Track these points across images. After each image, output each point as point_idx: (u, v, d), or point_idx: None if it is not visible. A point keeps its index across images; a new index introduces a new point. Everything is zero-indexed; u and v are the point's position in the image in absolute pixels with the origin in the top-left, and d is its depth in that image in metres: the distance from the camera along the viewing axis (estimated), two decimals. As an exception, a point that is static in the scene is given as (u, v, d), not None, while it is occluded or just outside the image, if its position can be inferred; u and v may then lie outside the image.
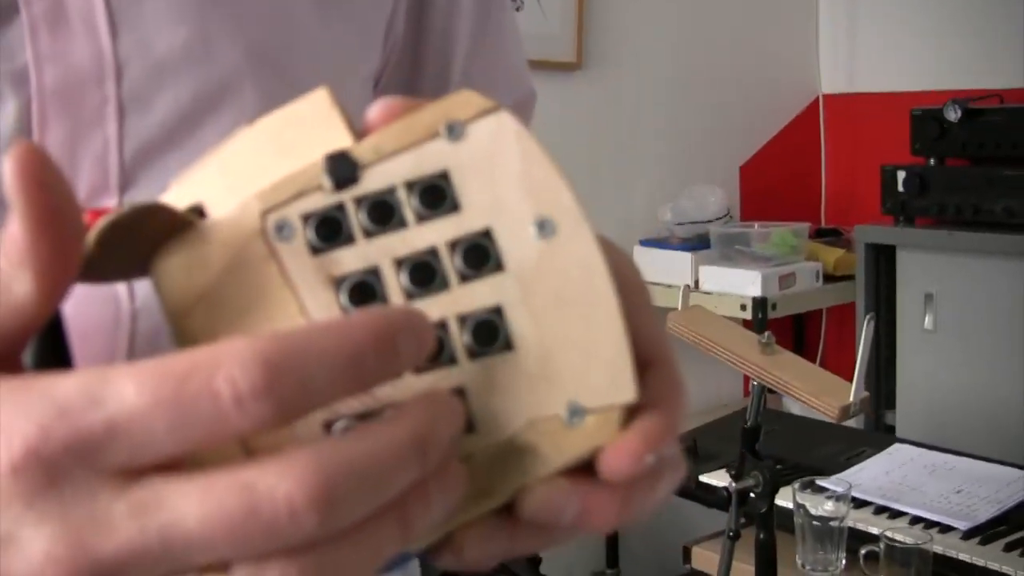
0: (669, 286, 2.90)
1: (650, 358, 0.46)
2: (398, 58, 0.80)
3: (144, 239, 0.44)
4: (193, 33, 0.63)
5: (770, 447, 1.92)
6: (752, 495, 1.88)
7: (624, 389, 0.42)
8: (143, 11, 0.62)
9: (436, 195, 0.44)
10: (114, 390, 0.34)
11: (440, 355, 0.43)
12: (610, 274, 0.43)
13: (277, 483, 0.34)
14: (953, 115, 3.02)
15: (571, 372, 0.43)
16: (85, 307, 0.59)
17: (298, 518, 0.34)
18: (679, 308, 2.04)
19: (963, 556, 1.97)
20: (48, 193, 0.36)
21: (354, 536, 0.36)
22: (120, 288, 0.61)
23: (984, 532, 2.04)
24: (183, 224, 0.44)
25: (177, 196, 0.46)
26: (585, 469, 0.43)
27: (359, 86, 0.76)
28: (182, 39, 0.62)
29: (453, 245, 0.44)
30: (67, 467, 0.34)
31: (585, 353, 0.43)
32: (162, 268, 0.44)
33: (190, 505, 0.34)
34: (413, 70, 0.82)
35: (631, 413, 0.43)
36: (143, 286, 0.61)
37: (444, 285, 0.43)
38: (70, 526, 0.34)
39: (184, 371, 0.34)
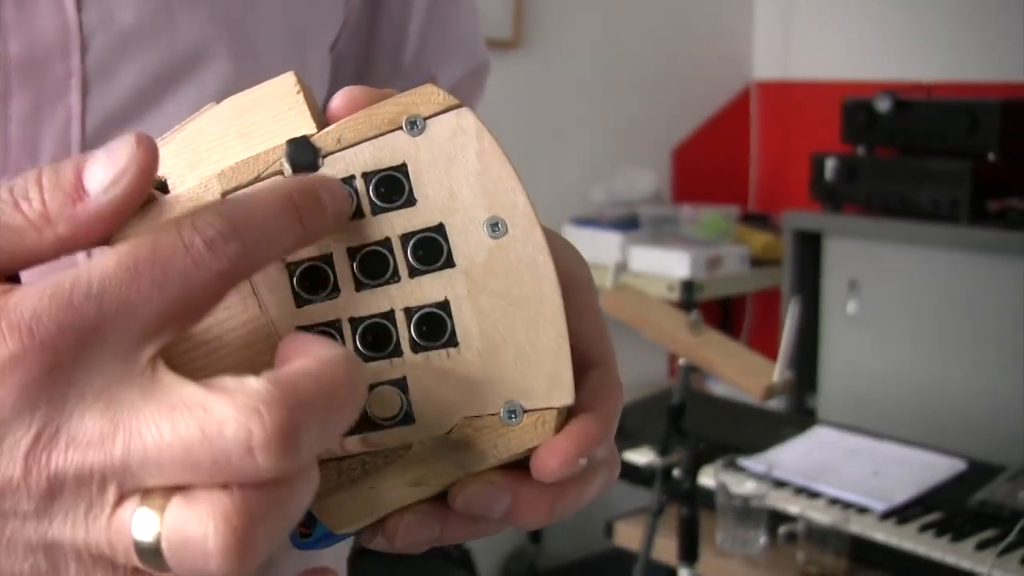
0: (599, 266, 2.91)
1: (591, 360, 0.47)
2: (354, 24, 0.80)
3: None
4: (158, 4, 0.62)
5: (694, 427, 1.94)
6: (675, 472, 1.90)
7: (561, 393, 0.43)
8: None
9: (393, 187, 0.45)
10: (95, 265, 0.36)
11: (385, 345, 0.44)
12: (557, 278, 0.44)
13: (236, 415, 0.34)
14: (883, 106, 3.05)
15: (511, 372, 0.43)
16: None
17: (253, 456, 0.34)
18: (608, 287, 2.05)
19: (879, 536, 2.01)
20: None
21: (300, 478, 0.37)
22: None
23: (900, 513, 2.08)
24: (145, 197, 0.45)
25: None
26: (519, 465, 0.44)
27: (320, 54, 0.76)
28: (147, 11, 0.62)
29: (406, 238, 0.45)
30: (65, 350, 0.35)
31: (526, 355, 0.44)
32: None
33: (150, 425, 0.35)
34: (369, 37, 0.81)
35: (568, 414, 0.44)
36: None
37: (395, 277, 0.44)
38: (46, 427, 0.35)
39: (154, 236, 0.37)
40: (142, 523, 0.35)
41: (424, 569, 2.96)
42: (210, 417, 0.34)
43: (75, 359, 0.35)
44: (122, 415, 0.35)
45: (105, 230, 0.39)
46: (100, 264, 0.36)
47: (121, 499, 0.35)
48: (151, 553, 0.35)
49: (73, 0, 0.59)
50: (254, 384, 0.35)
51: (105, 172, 0.38)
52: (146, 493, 0.35)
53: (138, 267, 0.36)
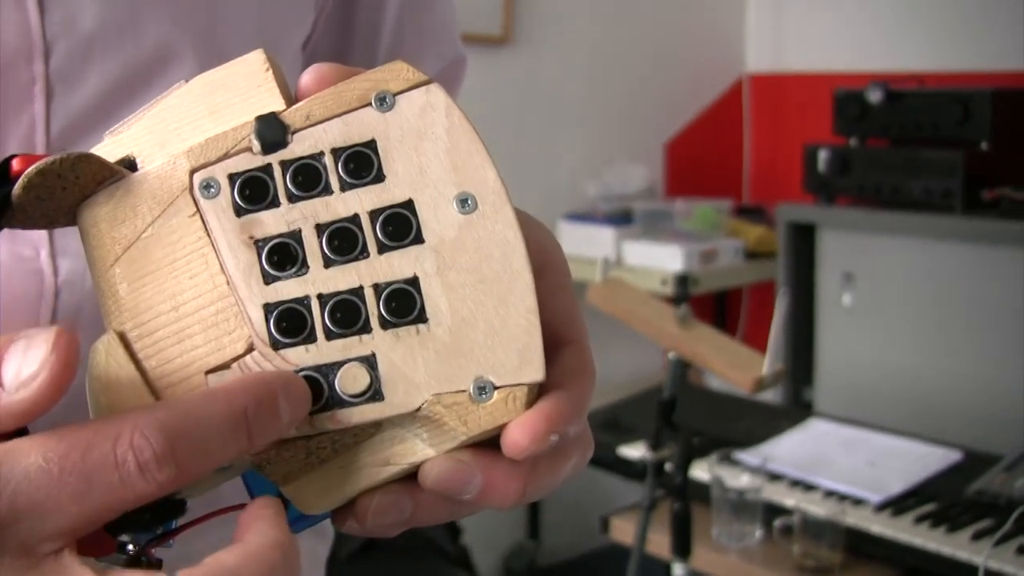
0: (592, 261, 2.90)
1: (563, 338, 0.46)
2: (327, 19, 0.79)
3: (74, 188, 0.44)
4: (121, 7, 0.61)
5: (689, 421, 1.94)
6: (668, 466, 1.90)
7: (532, 369, 0.43)
8: None
9: (362, 163, 0.45)
10: (20, 458, 0.34)
11: (355, 322, 0.43)
12: (527, 255, 0.44)
13: None
14: (875, 97, 3.05)
15: (481, 349, 0.43)
16: (9, 280, 0.58)
17: None
18: (598, 281, 2.05)
19: (875, 528, 2.00)
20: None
21: None
22: (44, 263, 0.60)
23: (896, 505, 2.07)
24: (113, 175, 0.44)
25: (109, 148, 0.46)
26: (491, 444, 0.43)
27: (291, 54, 0.75)
28: (110, 14, 0.61)
29: (375, 214, 0.44)
30: None
31: (496, 331, 0.43)
32: (89, 217, 0.44)
33: None
34: (343, 31, 0.80)
35: (538, 392, 0.44)
36: (67, 262, 0.60)
37: (363, 253, 0.44)
38: None
39: (88, 441, 0.35)
40: None
41: (422, 568, 2.95)
42: None
43: None
44: None
45: (17, 424, 0.37)
46: (24, 459, 0.35)
47: None
48: None
49: (35, 4, 0.58)
50: None
51: (18, 370, 0.36)
52: None
53: (62, 474, 0.34)
